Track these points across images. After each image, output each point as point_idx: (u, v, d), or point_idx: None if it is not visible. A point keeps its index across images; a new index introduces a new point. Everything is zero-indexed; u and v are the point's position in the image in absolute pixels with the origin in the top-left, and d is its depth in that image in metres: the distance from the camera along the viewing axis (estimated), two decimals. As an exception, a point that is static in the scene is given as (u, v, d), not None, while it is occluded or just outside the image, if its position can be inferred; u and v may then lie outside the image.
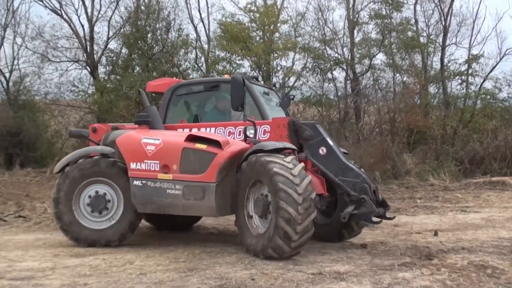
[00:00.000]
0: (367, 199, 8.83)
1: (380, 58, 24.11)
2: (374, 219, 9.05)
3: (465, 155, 20.46)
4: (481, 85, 24.01)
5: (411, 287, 6.67)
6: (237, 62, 22.59)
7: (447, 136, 22.08)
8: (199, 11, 23.76)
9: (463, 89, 23.86)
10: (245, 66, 22.54)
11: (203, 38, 23.67)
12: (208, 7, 23.77)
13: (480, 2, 25.51)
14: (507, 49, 24.64)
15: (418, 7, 24.53)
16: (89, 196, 9.11)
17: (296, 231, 7.75)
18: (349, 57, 23.43)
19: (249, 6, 22.81)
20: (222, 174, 8.63)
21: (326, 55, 23.31)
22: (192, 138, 8.96)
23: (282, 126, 9.38)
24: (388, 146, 20.33)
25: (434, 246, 9.10)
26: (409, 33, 24.10)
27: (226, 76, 11.20)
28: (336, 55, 23.59)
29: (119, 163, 9.11)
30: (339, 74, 23.76)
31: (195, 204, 8.72)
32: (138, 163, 9.00)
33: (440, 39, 24.51)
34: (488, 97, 23.80)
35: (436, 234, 10.02)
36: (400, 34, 23.76)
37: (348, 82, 23.47)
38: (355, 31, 23.82)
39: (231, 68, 22.36)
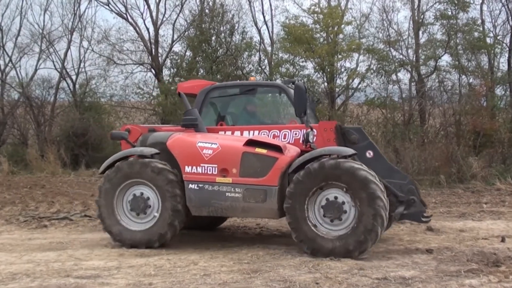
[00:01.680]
0: (416, 199, 9.26)
1: (445, 59, 23.78)
2: (423, 218, 9.57)
3: None
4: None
5: (480, 295, 6.65)
6: (301, 64, 22.68)
7: (515, 139, 21.64)
8: (263, 13, 23.91)
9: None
10: (309, 68, 22.63)
11: (267, 40, 23.83)
12: (271, 10, 23.91)
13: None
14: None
15: (484, 7, 24.08)
16: (131, 197, 9.34)
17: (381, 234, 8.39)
18: (414, 58, 23.18)
19: (313, 7, 22.88)
20: (283, 178, 8.92)
21: (391, 57, 23.15)
22: (251, 143, 9.19)
23: (329, 130, 9.71)
24: (454, 149, 20.00)
25: (502, 252, 8.92)
26: (476, 34, 23.65)
27: (252, 79, 11.24)
28: (401, 56, 23.39)
29: (157, 164, 9.19)
30: (403, 76, 23.58)
31: (256, 207, 8.96)
32: (194, 167, 9.17)
33: (508, 39, 23.99)
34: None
35: (503, 240, 9.85)
36: (466, 35, 23.36)
37: (412, 84, 23.22)
38: (420, 32, 23.53)
39: (295, 70, 22.44)
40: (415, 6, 23.40)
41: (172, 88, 21.81)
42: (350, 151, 8.91)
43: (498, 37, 24.13)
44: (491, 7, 24.18)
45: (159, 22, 22.84)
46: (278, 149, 9.05)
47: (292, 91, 9.93)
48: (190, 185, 9.14)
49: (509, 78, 23.01)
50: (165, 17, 22.99)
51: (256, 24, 23.68)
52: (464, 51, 23.50)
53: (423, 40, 23.64)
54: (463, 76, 23.55)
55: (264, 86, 11.03)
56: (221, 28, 22.83)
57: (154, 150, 9.46)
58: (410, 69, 23.18)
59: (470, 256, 8.61)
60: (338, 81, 22.65)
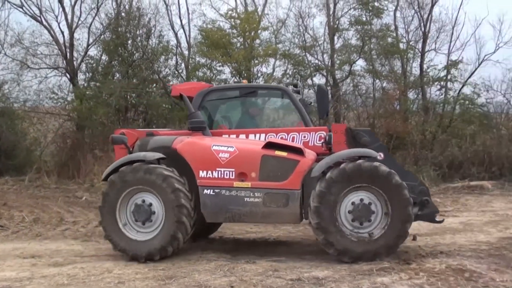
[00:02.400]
0: (430, 200, 9.32)
1: (360, 64, 24.21)
2: (437, 218, 9.65)
3: (444, 160, 20.55)
4: (460, 90, 24.13)
5: (390, 292, 6.76)
6: (218, 68, 22.63)
7: (426, 141, 22.16)
8: (180, 17, 23.69)
9: (442, 94, 23.97)
10: (226, 73, 22.60)
11: (184, 44, 23.63)
12: (188, 14, 23.70)
13: (459, 9, 25.53)
14: (485, 55, 24.76)
15: (398, 14, 24.61)
16: (134, 205, 8.83)
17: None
18: (329, 63, 23.51)
19: (230, 12, 22.86)
20: (304, 181, 8.76)
21: (307, 62, 23.40)
22: (270, 145, 8.97)
23: (340, 132, 9.57)
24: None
25: (413, 250, 9.16)
26: (389, 39, 24.17)
27: (245, 82, 11.01)
28: (316, 61, 23.68)
29: (163, 171, 8.72)
30: (319, 80, 23.80)
31: (277, 212, 8.70)
32: (209, 171, 8.81)
33: (420, 45, 24.58)
34: (467, 102, 23.90)
35: (414, 238, 10.05)
36: (380, 40, 23.86)
37: (328, 88, 23.52)
38: (335, 38, 23.90)
39: (212, 75, 22.37)
40: (331, 12, 23.74)
41: (87, 93, 21.42)
42: (376, 154, 8.90)
43: (410, 43, 24.71)
44: (404, 13, 24.76)
45: (74, 25, 22.32)
46: (299, 151, 8.92)
47: (293, 94, 10.05)
48: (205, 191, 8.76)
49: (421, 83, 23.60)
50: (81, 20, 22.49)
51: (173, 28, 23.50)
52: (378, 56, 24.00)
53: (338, 45, 24.05)
54: (377, 81, 24.08)
55: (266, 88, 10.89)
56: (138, 32, 22.54)
57: (159, 155, 8.96)
58: (325, 74, 23.52)
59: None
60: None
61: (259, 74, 22.72)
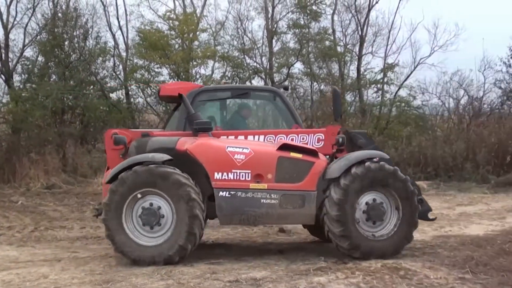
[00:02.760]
0: (423, 198, 9.43)
1: (298, 67, 24.46)
2: (430, 216, 9.79)
3: None
4: (396, 93, 24.61)
5: (326, 291, 6.82)
6: (156, 70, 22.48)
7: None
8: (118, 18, 23.45)
9: (378, 97, 24.43)
10: (164, 74, 22.47)
11: (122, 46, 23.43)
12: (126, 15, 23.48)
13: (395, 13, 25.90)
14: (421, 59, 25.29)
15: (335, 17, 24.94)
16: (142, 208, 8.38)
17: None
18: (268, 66, 23.63)
19: (168, 14, 22.73)
20: (319, 182, 8.69)
21: (245, 64, 23.48)
22: (285, 147, 8.89)
23: (336, 135, 9.58)
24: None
25: (350, 250, 9.27)
26: (327, 43, 24.48)
27: (223, 83, 10.70)
28: (255, 64, 23.80)
29: (180, 178, 8.33)
30: (257, 83, 23.90)
31: (293, 213, 8.67)
32: (225, 173, 8.60)
33: (357, 48, 24.97)
34: (403, 104, 24.40)
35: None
36: (318, 44, 24.12)
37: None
38: (274, 41, 24.04)
39: (150, 76, 22.21)
40: (269, 15, 23.85)
41: (23, 94, 21.02)
42: (387, 156, 9.15)
43: (348, 46, 25.11)
44: (341, 17, 25.16)
45: (9, 26, 21.87)
46: (313, 153, 8.94)
47: (286, 96, 9.92)
48: (221, 193, 8.54)
49: (358, 85, 23.95)
50: (16, 21, 22.05)
51: (110, 29, 23.25)
52: (315, 59, 24.28)
53: (276, 48, 24.21)
54: (315, 83, 24.31)
55: (258, 90, 10.77)
56: (75, 33, 22.23)
57: (167, 157, 8.51)
58: (264, 77, 23.61)
59: (319, 254, 8.86)
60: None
61: (197, 76, 22.66)
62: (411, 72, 25.18)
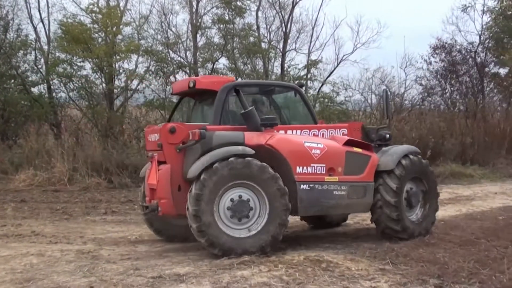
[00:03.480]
0: None
1: (222, 62, 24.44)
2: None
3: None
4: (320, 89, 24.94)
5: (249, 284, 6.90)
6: (78, 64, 22.05)
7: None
8: (39, 10, 22.91)
9: (302, 93, 24.63)
10: (86, 68, 22.07)
11: (43, 39, 22.94)
12: (48, 7, 22.96)
13: (319, 10, 26.25)
14: (344, 55, 25.75)
15: (260, 14, 25.07)
16: (231, 200, 8.55)
17: None
18: (192, 60, 23.52)
19: (91, 7, 22.26)
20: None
21: (169, 59, 23.29)
22: (349, 142, 9.78)
23: (357, 130, 10.56)
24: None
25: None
26: (251, 39, 24.55)
27: (230, 78, 10.46)
28: (179, 58, 23.64)
29: (273, 172, 8.62)
30: (182, 78, 23.76)
31: (357, 203, 9.63)
32: (305, 167, 9.12)
33: (281, 45, 25.16)
34: (326, 100, 24.74)
35: None
36: (242, 40, 24.17)
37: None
38: (198, 35, 23.94)
39: (72, 70, 21.80)
40: (194, 10, 23.72)
41: None
42: (419, 150, 10.55)
43: (272, 42, 25.24)
44: (266, 13, 25.30)
45: None
46: (369, 147, 9.99)
47: (304, 93, 10.48)
48: (302, 186, 9.02)
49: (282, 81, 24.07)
50: None
51: (32, 21, 22.73)
52: (240, 54, 24.29)
53: (201, 43, 24.12)
54: (240, 79, 24.28)
55: (282, 86, 10.99)
56: (-6, 25, 21.69)
57: (252, 150, 8.73)
58: (188, 71, 23.47)
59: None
60: (117, 82, 22.35)
61: (121, 70, 22.37)
62: (334, 69, 25.64)
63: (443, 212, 12.34)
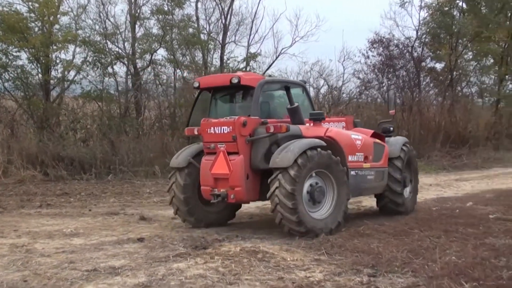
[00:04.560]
0: None
1: (161, 53, 24.26)
2: None
3: None
4: (258, 82, 24.92)
5: (185, 276, 6.90)
6: (14, 53, 21.56)
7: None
8: (-26, -1, 22.31)
9: (241, 85, 24.58)
10: (22, 59, 21.61)
11: (-23, 28, 22.32)
12: (-17, -4, 22.38)
13: (258, 3, 26.34)
14: (282, 49, 25.89)
15: (199, 5, 24.99)
16: (311, 185, 9.59)
17: None
18: (130, 51, 23.29)
19: (27, -5, 21.86)
20: None
21: (107, 49, 22.98)
22: (373, 134, 11.69)
23: (351, 123, 12.09)
24: (168, 141, 20.57)
25: (210, 236, 9.47)
26: (190, 30, 24.42)
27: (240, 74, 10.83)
28: (117, 49, 23.35)
29: (334, 157, 9.81)
30: (119, 69, 23.55)
31: (379, 185, 11.43)
32: (353, 156, 10.73)
33: (220, 36, 25.12)
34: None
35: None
36: (182, 31, 24.01)
37: (129, 77, 23.30)
38: (137, 26, 23.69)
39: (8, 60, 21.31)
40: (132, 0, 23.46)
41: None
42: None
43: (211, 34, 25.15)
44: (205, 5, 25.20)
45: None
46: (382, 138, 11.88)
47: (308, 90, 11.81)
48: (352, 172, 10.49)
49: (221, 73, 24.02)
50: None
51: (-36, 10, 22.09)
52: (179, 46, 24.12)
53: (139, 34, 23.84)
54: (178, 70, 24.21)
55: (295, 83, 11.71)
56: None
57: (324, 143, 9.85)
58: (126, 62, 23.23)
59: (179, 241, 9.00)
60: (53, 73, 21.99)
61: (57, 61, 22.01)
62: (273, 62, 25.80)
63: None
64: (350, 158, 10.53)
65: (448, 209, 12.09)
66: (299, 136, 9.84)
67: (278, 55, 25.80)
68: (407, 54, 29.64)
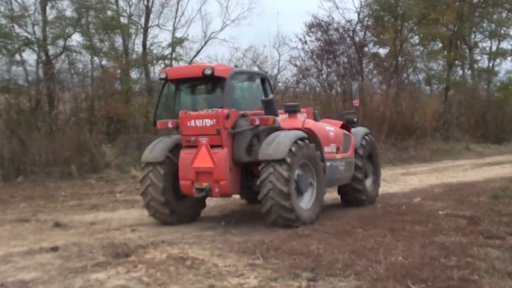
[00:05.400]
0: None
1: (76, 39, 23.78)
2: None
3: None
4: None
5: (105, 288, 6.83)
6: None
7: (150, 124, 22.34)
8: None
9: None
10: None
11: None
12: None
13: (184, -18, 26.25)
14: (212, 33, 25.88)
15: (118, -15, 24.66)
16: (298, 176, 10.68)
17: None
18: (41, 37, 22.83)
19: None
20: None
21: (14, 34, 22.48)
22: (342, 126, 13.00)
23: (310, 113, 12.76)
24: (86, 137, 20.25)
25: (133, 242, 9.41)
26: (109, 13, 24.10)
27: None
28: (26, 34, 22.84)
29: (315, 148, 11.12)
30: (29, 56, 23.03)
31: (347, 176, 12.57)
32: (328, 147, 11.91)
33: (142, 20, 24.90)
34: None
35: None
36: (99, 13, 23.68)
37: (40, 65, 22.84)
38: (48, 8, 23.15)
39: None
40: (41, -21, 23.00)
41: None
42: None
43: (132, 17, 24.88)
44: (125, -16, 24.83)
45: None
46: (349, 129, 13.06)
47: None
48: (328, 163, 11.66)
49: (144, 61, 23.88)
50: None
51: None
52: (96, 30, 23.78)
53: (51, 17, 23.36)
54: (96, 58, 23.86)
55: (258, 74, 12.60)
56: None
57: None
58: (36, 49, 22.76)
59: (99, 249, 8.90)
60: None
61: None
62: (202, 47, 25.74)
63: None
64: (326, 149, 11.78)
65: (394, 206, 12.37)
66: (278, 128, 10.95)
67: (207, 40, 25.83)
68: (348, 39, 30.02)
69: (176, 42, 24.85)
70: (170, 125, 11.25)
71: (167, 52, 24.67)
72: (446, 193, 14.30)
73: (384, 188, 15.85)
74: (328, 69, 30.00)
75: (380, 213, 11.50)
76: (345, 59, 30.09)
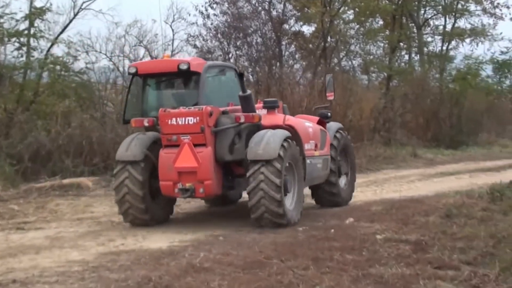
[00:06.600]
0: None
1: None
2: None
3: (25, 149, 20.16)
4: (49, 51, 24.39)
5: None
6: None
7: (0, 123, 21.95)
8: None
9: (22, 56, 23.81)
10: None
11: None
12: None
13: None
14: (83, 3, 25.42)
15: None
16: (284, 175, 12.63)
17: None
18: None
19: None
20: None
21: None
22: (319, 121, 15.17)
23: (281, 109, 14.78)
24: None
25: None
26: None
27: (166, 57, 14.68)
28: None
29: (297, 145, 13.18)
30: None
31: (324, 174, 14.90)
32: (308, 144, 13.94)
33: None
34: (59, 67, 24.19)
35: None
36: None
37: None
38: None
39: None
40: None
41: None
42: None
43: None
44: None
45: None
46: (325, 125, 15.28)
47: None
48: (308, 160, 13.76)
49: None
50: None
51: None
52: None
53: None
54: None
55: (231, 67, 14.90)
56: None
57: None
58: None
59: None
60: None
61: None
62: (70, 21, 25.30)
63: (224, 223, 12.74)
64: (306, 146, 13.82)
65: (320, 229, 12.41)
66: (259, 126, 13.02)
67: (77, 12, 25.47)
68: (263, 12, 30.11)
69: (35, 14, 24.33)
70: (146, 124, 13.09)
71: (23, 26, 24.14)
72: (386, 211, 14.36)
73: (308, 206, 16.01)
74: (237, 52, 30.13)
75: (301, 238, 11.51)
76: (259, 39, 30.17)
